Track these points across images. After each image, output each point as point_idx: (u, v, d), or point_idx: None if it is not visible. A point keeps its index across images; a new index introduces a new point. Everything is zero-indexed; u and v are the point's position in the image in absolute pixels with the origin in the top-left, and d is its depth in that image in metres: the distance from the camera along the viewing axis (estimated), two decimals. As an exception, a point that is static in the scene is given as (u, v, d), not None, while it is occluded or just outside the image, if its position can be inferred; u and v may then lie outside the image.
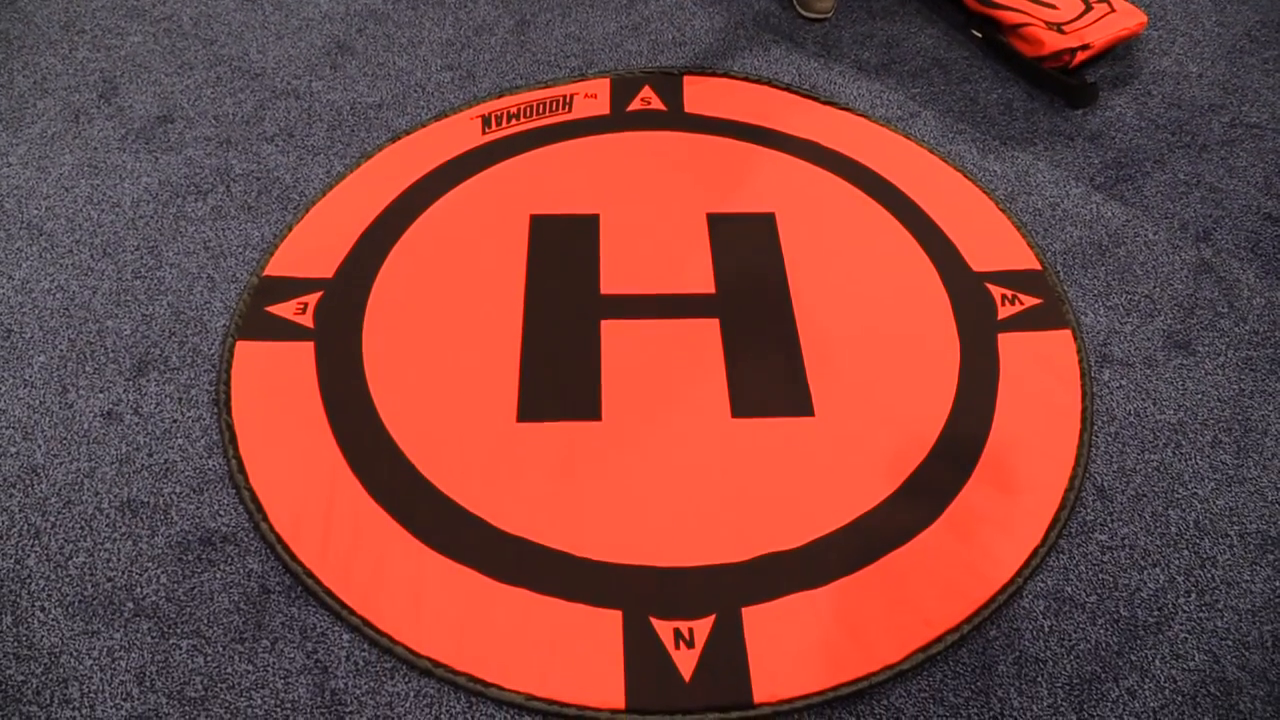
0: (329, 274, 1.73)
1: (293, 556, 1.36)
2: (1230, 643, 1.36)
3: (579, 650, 1.26)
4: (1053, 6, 2.21)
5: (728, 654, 1.26)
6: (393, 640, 1.28)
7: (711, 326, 1.65)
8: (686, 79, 2.13)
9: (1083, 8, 2.22)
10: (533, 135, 1.97)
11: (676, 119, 2.03)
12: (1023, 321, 1.67)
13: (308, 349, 1.61)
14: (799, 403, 1.54)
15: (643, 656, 1.26)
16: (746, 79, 2.14)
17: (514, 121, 1.99)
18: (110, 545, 1.43)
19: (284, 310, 1.68)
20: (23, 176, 1.98)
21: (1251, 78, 2.30)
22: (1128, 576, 1.41)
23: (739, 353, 1.61)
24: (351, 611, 1.31)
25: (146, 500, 1.48)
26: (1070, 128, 2.12)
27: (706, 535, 1.38)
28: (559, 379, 1.56)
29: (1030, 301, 1.70)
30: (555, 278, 1.71)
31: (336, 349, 1.60)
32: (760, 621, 1.29)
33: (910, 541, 1.37)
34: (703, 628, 1.28)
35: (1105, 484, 1.50)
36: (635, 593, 1.31)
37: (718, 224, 1.80)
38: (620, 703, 1.23)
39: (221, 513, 1.46)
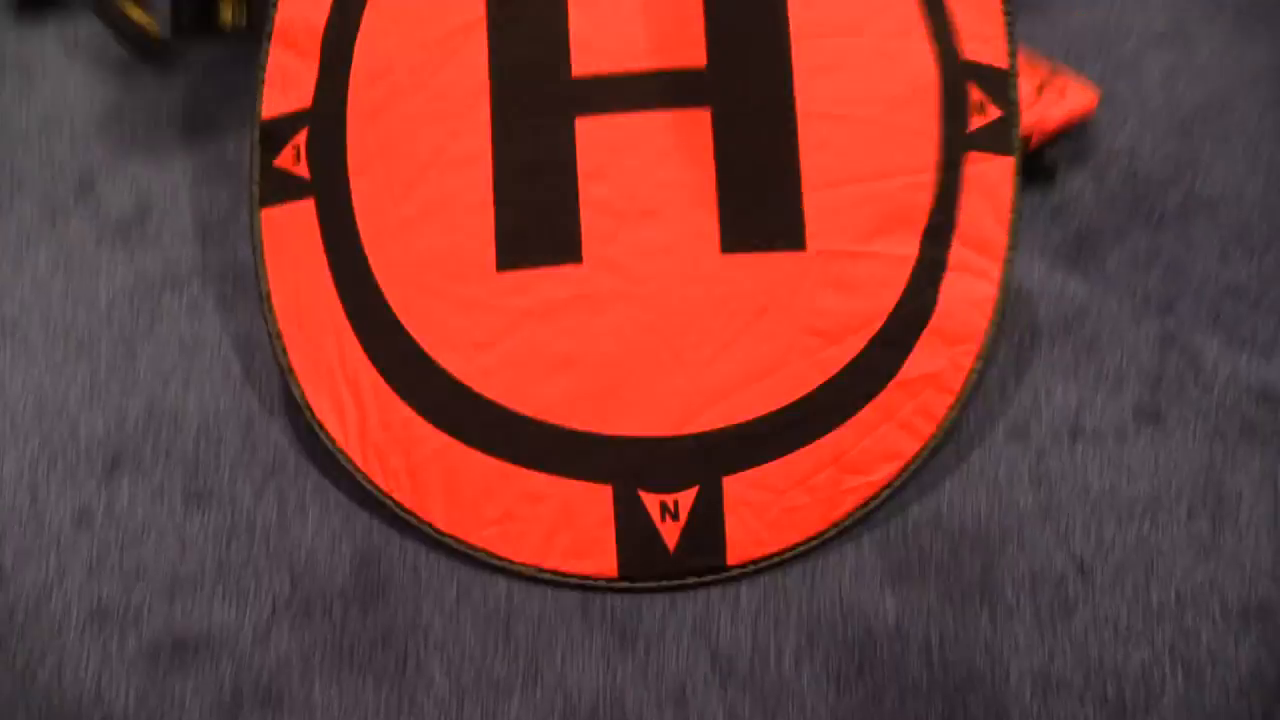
0: (308, 102, 1.59)
1: (330, 439, 1.52)
2: None
3: (576, 525, 1.41)
4: (1008, 91, 2.29)
5: (707, 522, 1.41)
6: (435, 528, 1.48)
7: (702, 120, 1.48)
8: None
9: (1035, 92, 2.30)
10: None
11: None
12: (984, 139, 1.60)
13: (309, 208, 1.56)
14: (791, 233, 1.49)
15: (632, 529, 1.41)
16: None
17: None
18: (79, 653, 1.40)
19: (285, 161, 1.59)
20: (-3, 275, 1.99)
21: (1202, 152, 2.38)
22: (1113, 654, 1.41)
23: (731, 161, 1.47)
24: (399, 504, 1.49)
25: (117, 605, 1.45)
26: (1031, 205, 2.18)
27: (691, 400, 1.46)
28: (534, 211, 1.48)
29: (994, 114, 1.61)
30: (520, 53, 1.50)
31: (332, 204, 1.55)
32: (738, 489, 1.43)
33: (866, 406, 1.50)
34: (686, 499, 1.43)
35: (1085, 559, 1.51)
36: (624, 465, 1.44)
37: None
38: (613, 571, 1.41)
39: (193, 616, 1.44)
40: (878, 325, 1.52)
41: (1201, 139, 2.49)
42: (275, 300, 1.58)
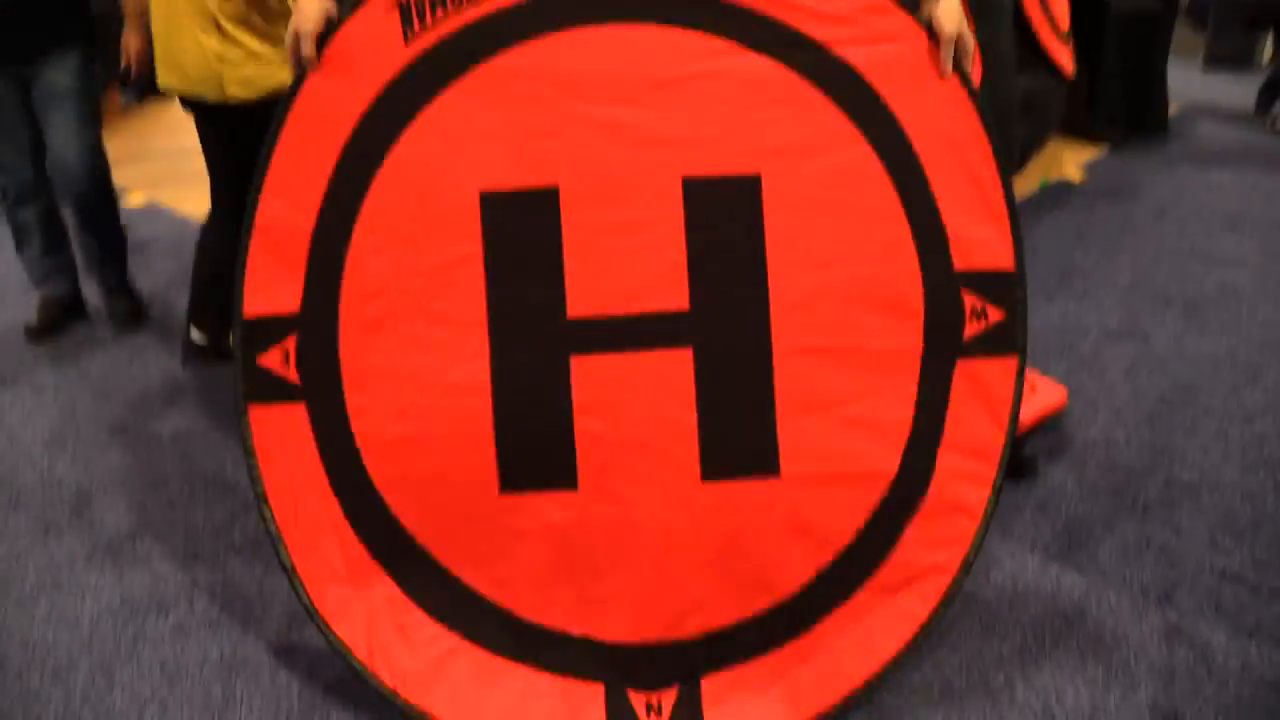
0: (295, 307, 1.58)
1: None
2: None
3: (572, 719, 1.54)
4: (980, 390, 2.40)
5: (689, 718, 1.54)
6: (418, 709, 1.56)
7: (684, 359, 1.53)
8: None
9: (1007, 390, 2.41)
10: (467, 39, 1.53)
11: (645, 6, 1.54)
12: (982, 345, 1.59)
13: (301, 414, 1.57)
14: (766, 461, 1.55)
15: None
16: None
17: (440, 11, 1.54)
18: None
19: (272, 362, 1.58)
20: (-19, 599, 1.96)
21: (1175, 439, 2.46)
22: None
23: (710, 397, 1.53)
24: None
25: None
26: (1016, 499, 2.22)
27: (675, 609, 1.58)
28: (534, 441, 1.55)
29: (995, 317, 1.59)
30: (518, 291, 1.52)
31: (326, 413, 1.57)
32: (716, 687, 1.56)
33: (845, 603, 1.57)
34: (669, 698, 1.55)
35: None
36: (614, 667, 1.56)
37: (694, 194, 1.54)
38: None
39: None
40: (851, 536, 1.57)
41: (1172, 427, 2.58)
42: (272, 502, 1.59)
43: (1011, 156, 4.34)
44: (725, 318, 1.56)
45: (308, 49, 1.52)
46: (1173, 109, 5.83)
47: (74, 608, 1.93)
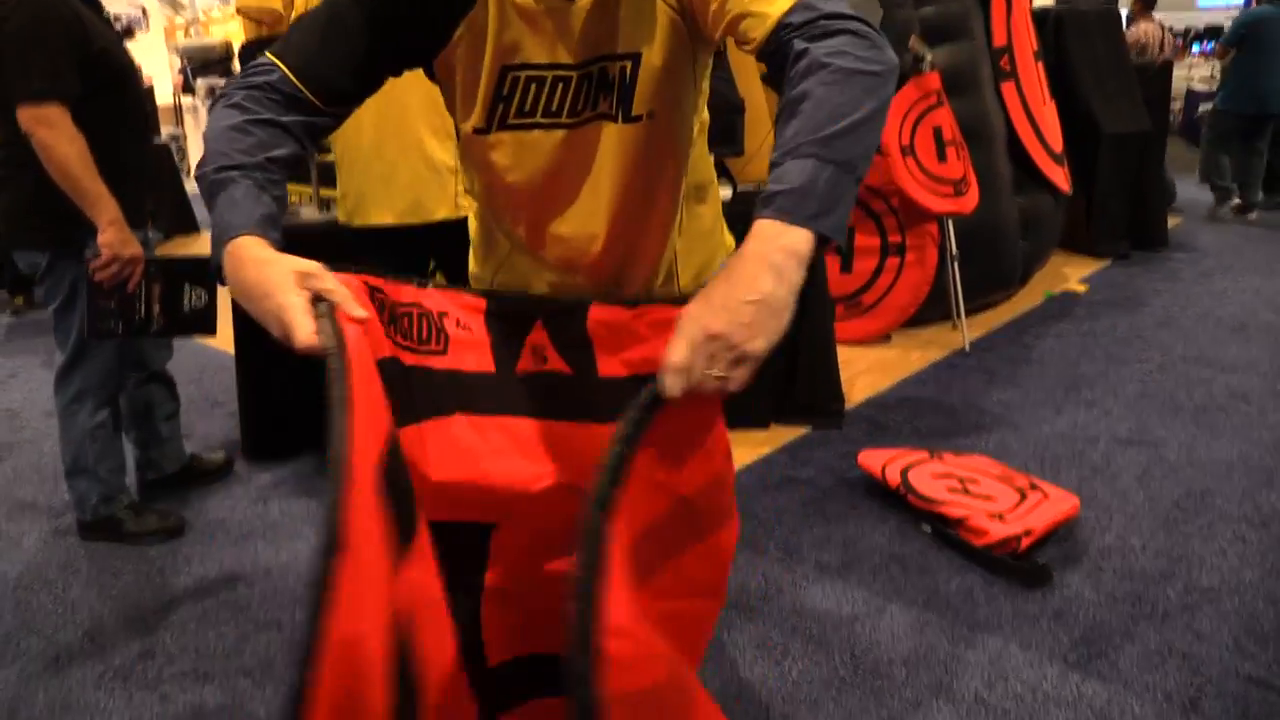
0: None
1: None
2: None
3: None
4: (990, 498, 2.41)
5: None
6: None
7: None
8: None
9: (1018, 497, 2.41)
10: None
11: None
12: None
13: None
14: None
15: None
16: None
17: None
18: None
19: None
20: (-10, 724, 1.94)
21: (1191, 545, 2.43)
22: None
23: None
24: None
25: None
26: (1033, 608, 2.19)
27: None
28: None
29: None
30: None
31: None
32: None
33: None
34: None
35: None
36: None
37: None
38: None
39: None
40: None
41: (1188, 533, 2.56)
42: None
43: (1013, 273, 4.44)
44: None
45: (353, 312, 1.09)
46: (1172, 222, 5.96)
47: (82, 734, 1.91)
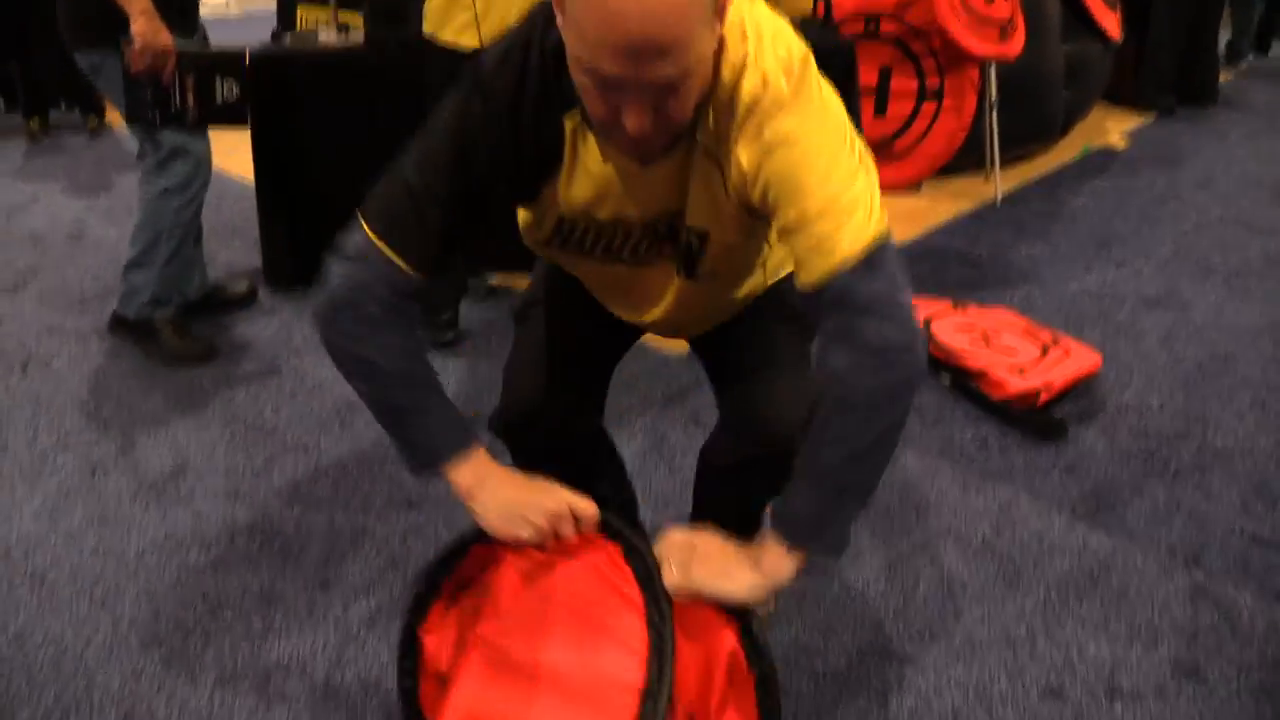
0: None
1: None
2: None
3: None
4: (1012, 352, 2.40)
5: None
6: None
7: None
8: None
9: (1040, 352, 2.40)
10: None
11: None
12: None
13: None
14: None
15: None
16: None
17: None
18: None
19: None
20: (34, 528, 2.03)
21: (1209, 407, 2.44)
22: None
23: None
24: None
25: None
26: (1045, 461, 2.22)
27: None
28: None
29: None
30: None
31: None
32: None
33: None
34: None
35: (1137, 831, 1.42)
36: None
37: None
38: None
39: None
40: None
41: (1207, 395, 2.56)
42: None
43: (1053, 123, 4.29)
44: None
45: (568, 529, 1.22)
46: (1224, 78, 5.70)
47: (120, 542, 2.00)
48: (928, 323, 2.54)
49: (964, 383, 2.42)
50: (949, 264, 3.25)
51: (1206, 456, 2.25)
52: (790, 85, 1.05)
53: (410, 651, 1.30)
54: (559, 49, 1.04)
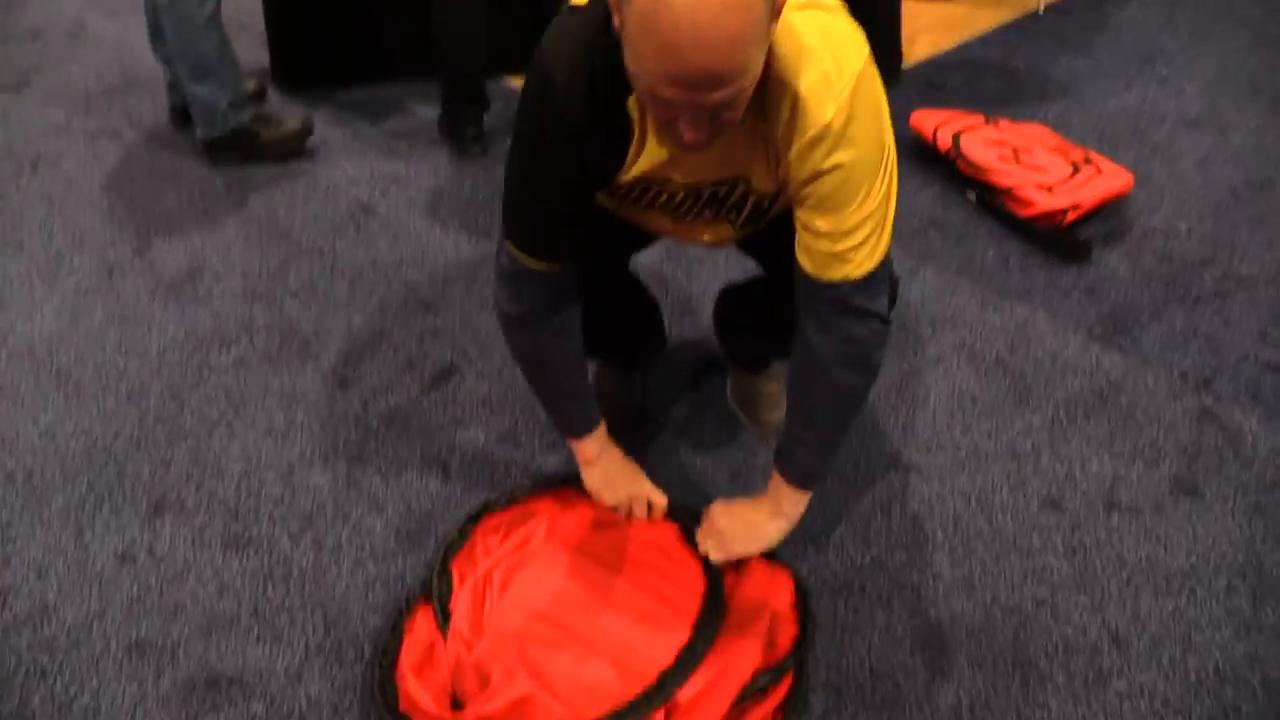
0: None
1: None
2: (1262, 799, 1.31)
3: None
4: (1041, 170, 2.33)
5: None
6: None
7: None
8: None
9: (1070, 170, 2.33)
10: None
11: None
12: None
13: None
14: None
15: None
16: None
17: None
18: (115, 686, 1.41)
19: None
20: (55, 327, 2.06)
21: (1239, 233, 2.39)
22: (1150, 727, 1.38)
23: None
24: None
25: (155, 641, 1.47)
26: (1066, 282, 2.19)
27: None
28: None
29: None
30: None
31: None
32: None
33: None
34: None
35: (1120, 630, 1.48)
36: None
37: None
38: None
39: (228, 655, 1.45)
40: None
41: (1237, 222, 2.50)
42: None
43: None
44: None
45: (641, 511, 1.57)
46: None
47: (142, 339, 2.03)
48: (957, 136, 2.46)
49: (990, 199, 2.37)
50: (984, 76, 3.11)
51: (1230, 283, 2.22)
52: (847, 111, 1.11)
53: (445, 570, 1.51)
54: (618, 42, 1.04)
